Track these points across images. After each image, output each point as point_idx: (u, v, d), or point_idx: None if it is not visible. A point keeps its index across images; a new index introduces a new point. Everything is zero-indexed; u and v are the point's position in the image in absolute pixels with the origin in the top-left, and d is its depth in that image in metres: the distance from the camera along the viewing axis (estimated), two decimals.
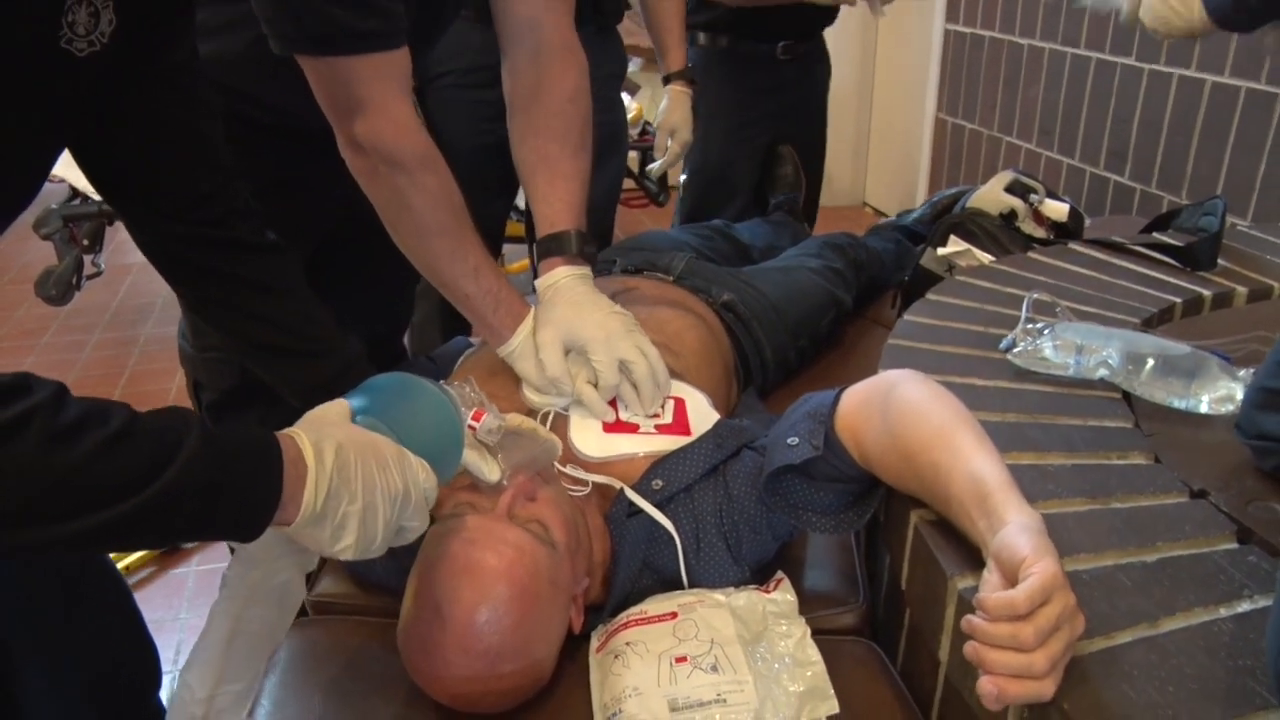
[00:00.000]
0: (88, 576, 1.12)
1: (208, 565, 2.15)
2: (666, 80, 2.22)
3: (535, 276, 1.31)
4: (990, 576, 0.82)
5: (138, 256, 1.14)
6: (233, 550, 0.94)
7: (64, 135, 0.91)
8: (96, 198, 2.94)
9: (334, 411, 0.89)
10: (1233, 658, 0.82)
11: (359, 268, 1.52)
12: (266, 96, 1.32)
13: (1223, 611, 0.88)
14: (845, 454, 1.08)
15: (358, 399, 0.93)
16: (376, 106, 1.11)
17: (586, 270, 1.26)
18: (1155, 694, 0.78)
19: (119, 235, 4.23)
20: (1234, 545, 0.97)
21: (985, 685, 0.76)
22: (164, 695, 1.27)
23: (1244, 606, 0.88)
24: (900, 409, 1.02)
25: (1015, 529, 0.82)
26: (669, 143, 2.17)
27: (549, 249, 1.26)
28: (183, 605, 2.03)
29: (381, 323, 1.68)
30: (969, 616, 0.78)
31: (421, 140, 1.15)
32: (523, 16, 1.29)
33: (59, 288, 2.80)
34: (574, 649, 1.10)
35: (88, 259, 2.96)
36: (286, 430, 0.83)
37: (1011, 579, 0.79)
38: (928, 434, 0.98)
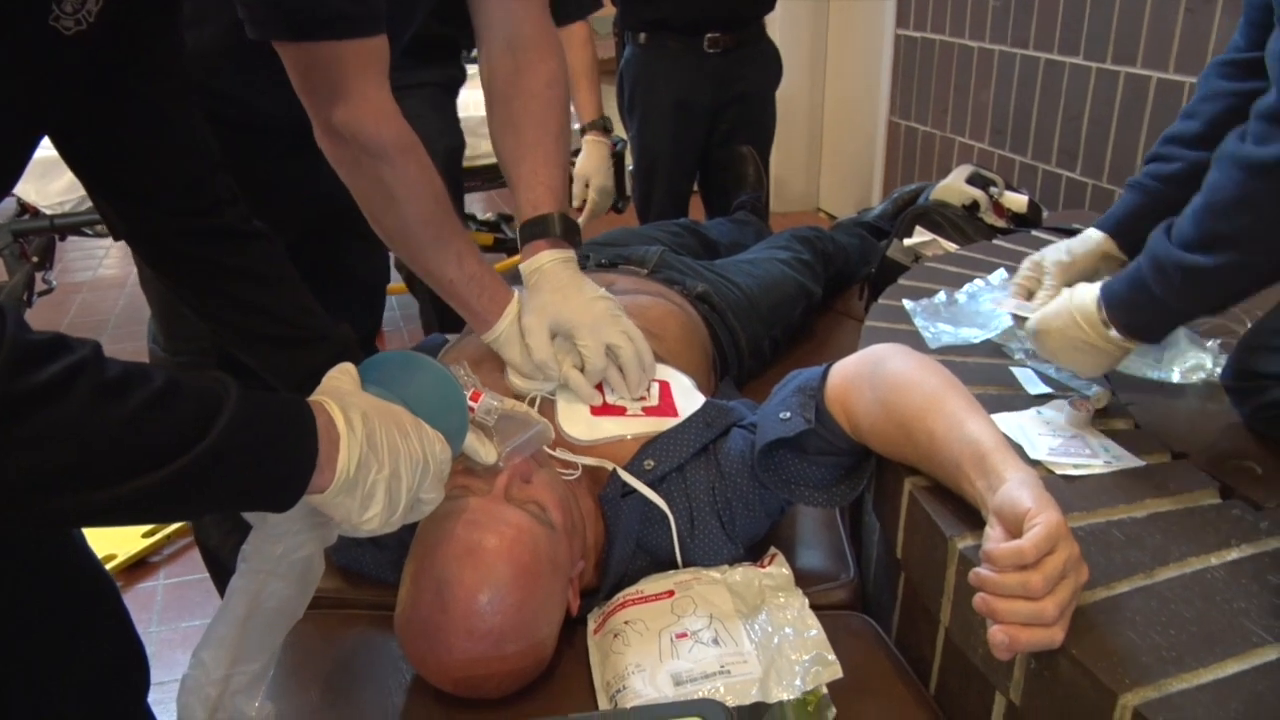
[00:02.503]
0: (78, 579, 1.10)
1: (175, 579, 2.12)
2: (582, 131, 2.33)
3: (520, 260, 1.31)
4: (993, 532, 0.83)
5: (89, 274, 1.12)
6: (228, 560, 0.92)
7: (46, 121, 0.89)
8: (48, 211, 2.90)
9: (347, 381, 0.89)
10: (1227, 601, 0.84)
11: (333, 267, 1.51)
12: (235, 91, 1.31)
13: (1213, 560, 0.90)
14: (837, 426, 1.09)
15: (364, 372, 0.92)
16: (356, 94, 1.11)
17: (571, 253, 1.27)
18: (1158, 638, 0.80)
19: (68, 254, 4.18)
20: (1217, 500, 1.00)
21: (996, 635, 0.77)
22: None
23: (1233, 555, 0.91)
24: (891, 379, 1.04)
25: (1015, 484, 0.84)
26: (587, 191, 2.28)
27: (533, 232, 1.26)
28: (152, 619, 1.99)
29: (356, 322, 1.66)
30: (976, 570, 0.80)
31: (402, 128, 1.15)
32: (497, 6, 1.29)
33: (10, 304, 2.74)
34: (571, 633, 1.09)
35: (39, 275, 2.90)
36: (312, 397, 0.82)
37: (1015, 532, 0.81)
38: (920, 401, 1.00)
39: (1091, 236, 1.31)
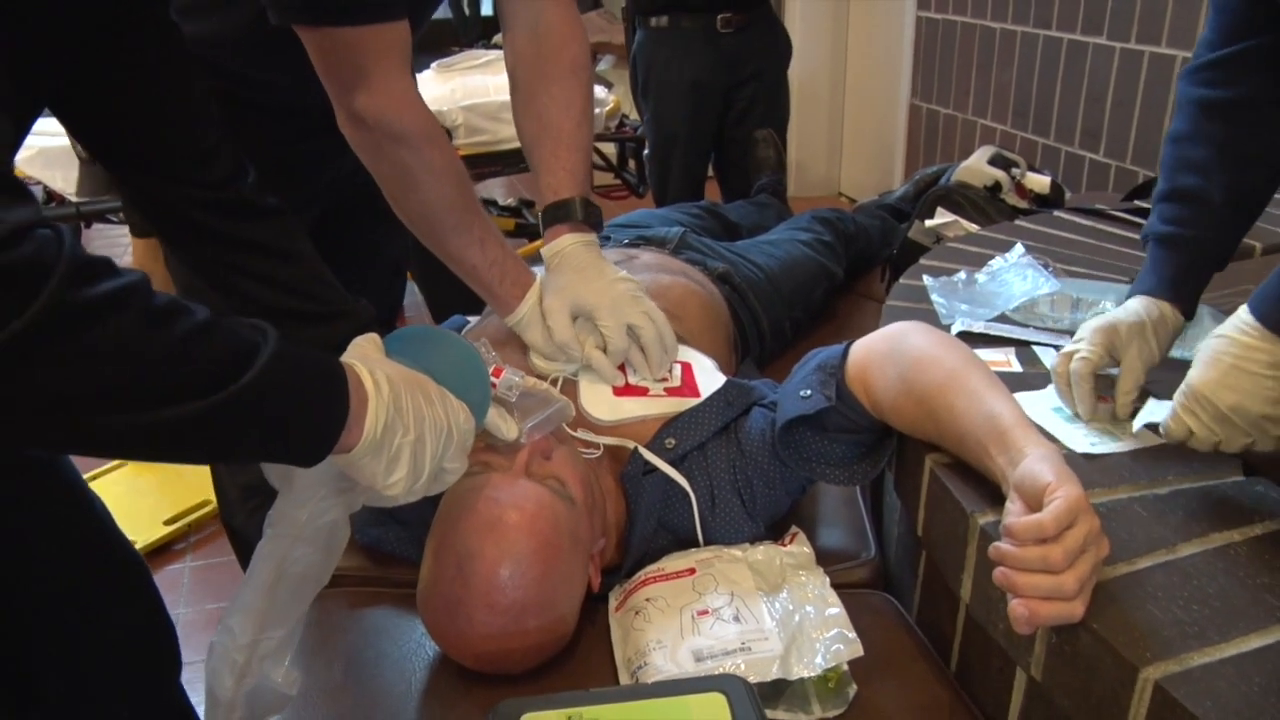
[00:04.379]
0: (108, 556, 1.11)
1: (202, 561, 2.14)
2: None
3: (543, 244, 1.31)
4: (1013, 507, 0.83)
5: (121, 259, 1.13)
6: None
7: (43, 88, 0.90)
8: (73, 199, 2.93)
9: (373, 348, 0.89)
10: (1251, 577, 0.84)
11: (355, 247, 1.52)
12: (261, 75, 1.32)
13: (1236, 536, 0.90)
14: (857, 404, 1.09)
15: (389, 344, 0.93)
16: (378, 79, 1.11)
17: (592, 237, 1.27)
18: (1180, 612, 0.80)
19: (94, 243, 4.21)
20: (1240, 478, 0.99)
21: (1017, 609, 0.77)
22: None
23: (1257, 530, 0.90)
24: (912, 356, 1.04)
25: (1035, 459, 0.84)
26: None
27: (554, 216, 1.26)
28: (179, 601, 2.02)
29: (377, 302, 1.67)
30: (996, 544, 0.80)
31: (424, 114, 1.15)
32: None
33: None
34: (593, 611, 1.10)
35: None
36: (343, 359, 0.83)
37: (1035, 507, 0.80)
38: (941, 378, 1.00)
39: (1164, 313, 1.09)
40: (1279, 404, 0.88)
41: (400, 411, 0.82)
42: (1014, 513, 0.82)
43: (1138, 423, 1.01)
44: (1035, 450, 0.86)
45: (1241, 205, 1.09)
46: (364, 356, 0.86)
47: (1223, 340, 0.90)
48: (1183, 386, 0.93)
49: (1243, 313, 0.90)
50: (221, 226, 1.07)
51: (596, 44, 5.07)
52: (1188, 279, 1.10)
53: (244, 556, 1.73)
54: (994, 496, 0.94)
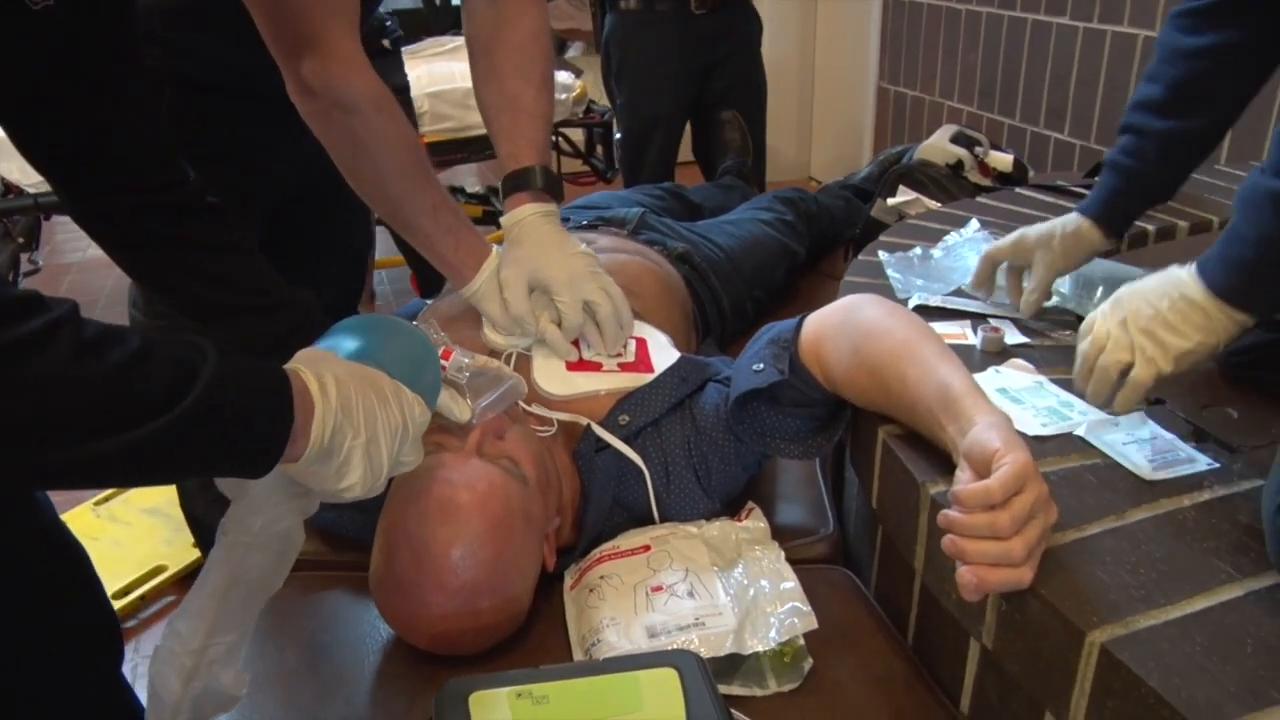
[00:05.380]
0: (46, 548, 1.09)
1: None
2: None
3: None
4: (962, 475, 0.83)
5: (78, 255, 1.11)
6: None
7: (7, 99, 0.89)
8: (31, 190, 2.88)
9: (323, 348, 0.87)
10: (1198, 541, 0.84)
11: (316, 235, 1.50)
12: (216, 53, 1.30)
13: (1186, 502, 0.90)
14: (810, 377, 1.08)
15: (336, 338, 0.91)
16: (325, 45, 1.09)
17: (553, 206, 1.26)
18: (1127, 576, 0.80)
19: (57, 235, 4.15)
20: (1192, 444, 0.99)
21: (965, 575, 0.77)
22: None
23: (1205, 496, 0.91)
24: (864, 328, 1.03)
25: (984, 426, 0.84)
26: None
27: (515, 185, 1.25)
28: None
29: (340, 290, 1.66)
30: (945, 511, 0.79)
31: (373, 81, 1.13)
32: None
33: None
34: (548, 590, 1.09)
35: (24, 256, 2.89)
36: (287, 364, 0.81)
37: (984, 474, 0.80)
38: (892, 348, 0.99)
39: (1078, 223, 1.22)
40: (1170, 330, 0.93)
41: (349, 415, 0.80)
42: (963, 480, 0.82)
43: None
44: (984, 418, 0.85)
45: (1177, 146, 1.14)
46: (313, 358, 0.84)
47: (1168, 272, 0.97)
48: (1117, 295, 1.00)
49: (1188, 269, 0.95)
50: (165, 229, 1.05)
51: (565, 30, 5.04)
52: (1115, 202, 1.20)
53: (205, 544, 1.71)
54: (945, 466, 0.93)
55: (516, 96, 1.26)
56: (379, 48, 1.66)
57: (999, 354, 1.16)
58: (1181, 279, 0.94)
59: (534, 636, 1.05)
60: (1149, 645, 0.72)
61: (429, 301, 1.52)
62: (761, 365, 1.09)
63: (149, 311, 1.42)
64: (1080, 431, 1.00)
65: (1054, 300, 1.30)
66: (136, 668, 1.69)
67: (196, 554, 1.96)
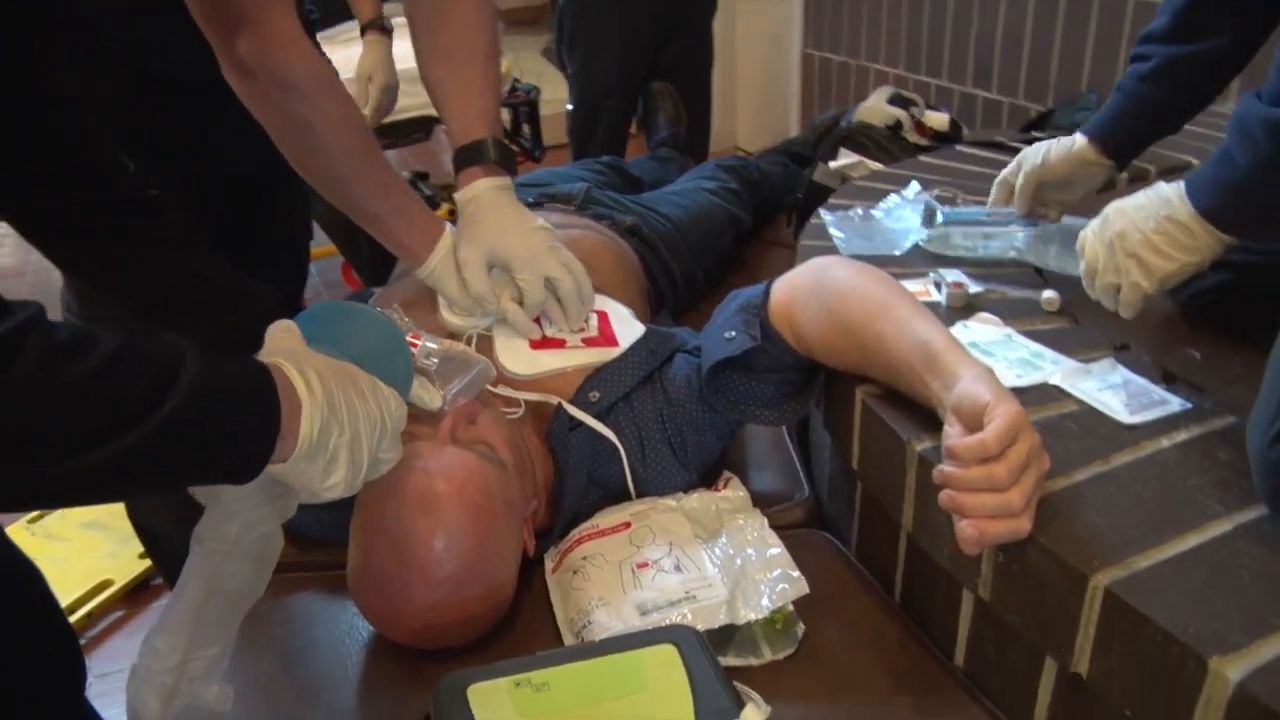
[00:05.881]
0: (6, 563, 1.04)
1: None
2: (362, 31, 2.31)
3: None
4: (952, 430, 0.83)
5: (35, 255, 1.05)
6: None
7: None
8: None
9: (294, 339, 0.83)
10: (1181, 480, 0.85)
11: (257, 226, 1.45)
12: (150, 40, 1.23)
13: (1164, 443, 0.91)
14: (783, 342, 1.07)
15: (305, 330, 0.87)
16: (261, 21, 1.04)
17: (506, 180, 1.22)
18: (1120, 519, 0.80)
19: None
20: (1163, 386, 1.00)
21: (965, 529, 0.77)
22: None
23: (1182, 436, 0.92)
24: (835, 288, 1.03)
25: (970, 380, 0.83)
26: (370, 90, 2.25)
27: (467, 159, 1.21)
28: None
29: (283, 282, 1.60)
30: (940, 467, 0.79)
31: (313, 58, 1.09)
32: None
33: None
34: (529, 575, 1.07)
35: None
36: (266, 359, 0.77)
37: (975, 427, 0.80)
38: (867, 307, 0.99)
39: (1074, 141, 1.26)
40: (1155, 252, 0.95)
41: (334, 411, 0.77)
42: (954, 435, 0.81)
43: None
44: (969, 371, 0.85)
45: (1183, 70, 1.15)
46: (290, 352, 0.80)
47: (1156, 189, 0.98)
48: (1105, 212, 1.03)
49: (1176, 187, 0.97)
50: (112, 226, 1.00)
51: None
52: (1118, 121, 1.22)
53: (160, 557, 1.65)
54: (929, 423, 0.93)
55: (465, 70, 1.22)
56: None
57: (964, 309, 1.16)
58: (1169, 199, 0.95)
59: (519, 624, 1.03)
60: (1150, 584, 0.73)
61: (376, 290, 1.47)
62: (733, 333, 1.08)
63: (84, 314, 1.36)
64: (1055, 380, 1.00)
65: (1011, 253, 1.31)
66: (92, 686, 1.63)
67: (145, 565, 1.90)
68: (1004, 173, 1.33)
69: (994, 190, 1.34)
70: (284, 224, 1.54)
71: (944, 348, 0.90)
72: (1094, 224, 1.00)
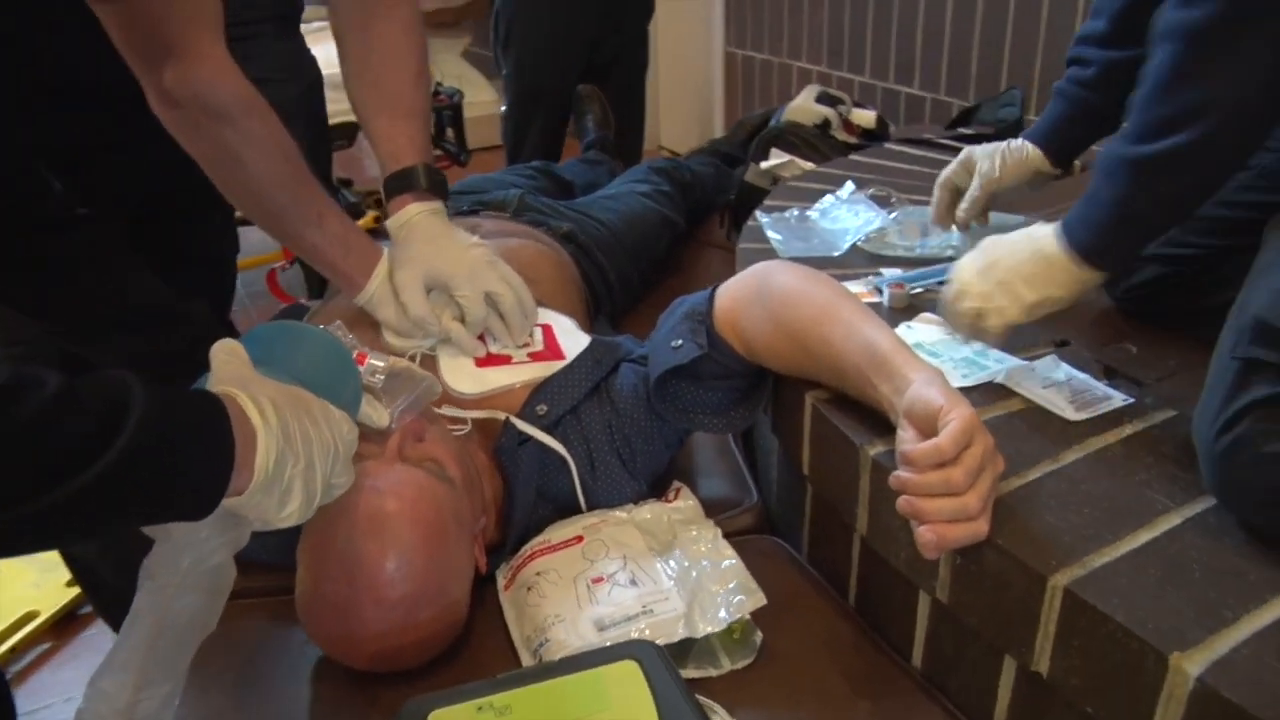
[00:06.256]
0: None
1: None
2: None
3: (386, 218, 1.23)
4: (905, 434, 0.83)
5: None
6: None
7: None
8: None
9: (241, 364, 0.80)
10: (1129, 475, 0.87)
11: (181, 244, 1.40)
12: (52, 49, 1.18)
13: (1110, 438, 0.93)
14: (729, 349, 1.07)
15: (249, 351, 0.84)
16: (188, 51, 1.01)
17: (438, 205, 1.20)
18: (1074, 517, 0.82)
19: None
20: (1105, 381, 1.02)
21: (925, 535, 0.77)
22: None
23: (1127, 431, 0.94)
24: (781, 294, 1.03)
25: (922, 383, 0.84)
26: None
27: (398, 186, 1.19)
28: None
29: (208, 301, 1.55)
30: (896, 473, 0.79)
31: (242, 85, 1.05)
32: None
33: None
34: (481, 593, 1.05)
35: None
36: (217, 388, 0.74)
37: (928, 431, 0.80)
38: (813, 312, 0.99)
39: (1025, 150, 1.27)
40: (1025, 282, 0.96)
41: (289, 440, 0.74)
42: (907, 440, 0.82)
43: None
44: (919, 375, 0.85)
45: (1118, 74, 1.16)
46: (240, 379, 0.77)
47: (1034, 228, 1.00)
48: (982, 246, 1.03)
49: (1052, 227, 0.98)
50: (39, 249, 0.95)
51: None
52: (1060, 129, 1.25)
53: (94, 591, 1.58)
54: (881, 427, 0.93)
55: (394, 93, 1.19)
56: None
57: (906, 310, 1.17)
58: (1042, 236, 0.98)
59: (473, 642, 1.01)
60: (1108, 582, 0.74)
61: (308, 305, 1.44)
62: (680, 341, 1.07)
63: (4, 339, 1.30)
64: (1001, 379, 1.02)
65: (949, 251, 1.33)
66: None
67: (72, 593, 1.82)
68: (945, 174, 1.34)
69: (936, 192, 1.35)
70: (211, 239, 1.49)
71: (891, 350, 0.90)
72: (971, 254, 1.02)
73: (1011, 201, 1.35)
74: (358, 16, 1.19)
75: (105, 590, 1.47)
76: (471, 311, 1.15)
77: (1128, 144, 0.90)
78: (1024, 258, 0.97)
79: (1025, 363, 1.04)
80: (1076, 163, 1.34)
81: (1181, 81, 0.85)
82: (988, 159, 1.29)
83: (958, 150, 1.75)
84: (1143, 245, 0.95)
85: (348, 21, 1.20)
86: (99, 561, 1.47)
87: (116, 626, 1.57)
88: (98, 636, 1.81)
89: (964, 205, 1.30)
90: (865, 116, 2.12)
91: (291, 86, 2.13)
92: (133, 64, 1.02)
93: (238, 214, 1.62)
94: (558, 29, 2.53)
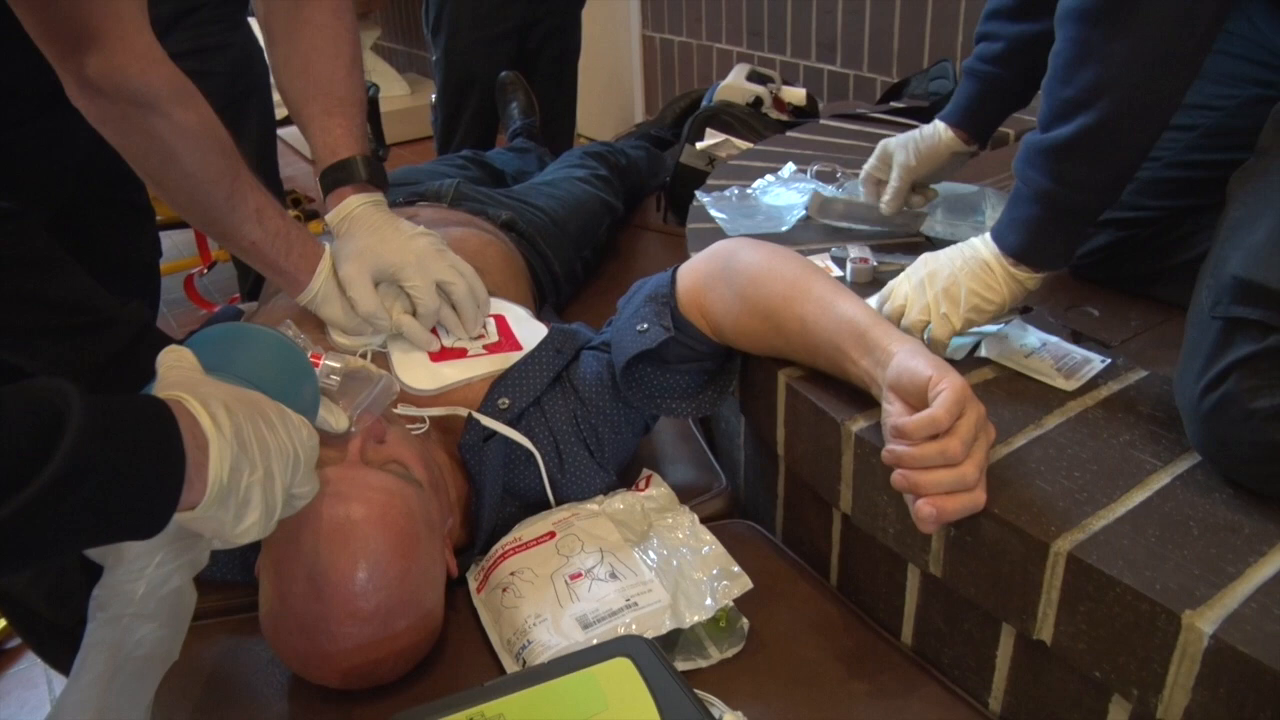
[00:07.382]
0: None
1: None
2: None
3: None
4: (892, 408, 0.81)
5: None
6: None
7: None
8: None
9: (189, 368, 0.74)
10: (1114, 436, 0.87)
11: (100, 246, 1.32)
12: None
13: (1089, 401, 0.92)
14: (696, 330, 1.04)
15: (198, 356, 0.78)
16: (112, 38, 0.93)
17: (379, 196, 1.15)
18: (1066, 481, 0.81)
19: None
20: (1073, 346, 1.02)
21: (923, 508, 0.75)
22: None
23: (1104, 393, 0.93)
24: (747, 272, 1.00)
25: (906, 355, 0.82)
26: None
27: (336, 179, 1.13)
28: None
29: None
30: (890, 447, 0.77)
31: (172, 72, 0.98)
32: None
33: None
34: (452, 598, 1.01)
35: None
36: (164, 393, 0.68)
37: (917, 403, 0.78)
38: (783, 290, 0.96)
39: (936, 128, 1.26)
40: (964, 291, 0.96)
41: (244, 446, 0.68)
42: (895, 413, 0.80)
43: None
44: (902, 347, 0.84)
45: (1029, 49, 1.15)
46: (189, 383, 0.71)
47: (968, 241, 0.99)
48: (925, 264, 1.01)
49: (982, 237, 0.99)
50: None
51: None
52: (973, 107, 1.24)
53: (24, 627, 1.49)
54: (860, 402, 0.92)
55: (328, 81, 1.13)
56: None
57: (870, 284, 1.16)
58: (976, 245, 0.98)
59: (450, 650, 0.97)
60: (1110, 545, 0.73)
61: (243, 307, 1.37)
62: (645, 325, 1.04)
63: None
64: (982, 353, 1.01)
65: (899, 221, 1.32)
66: None
67: None
68: (867, 168, 1.33)
69: (862, 186, 1.35)
70: (131, 241, 1.41)
71: (870, 324, 0.88)
72: (908, 269, 1.02)
73: (964, 173, 1.35)
74: (285, 6, 1.13)
75: (38, 623, 1.38)
76: (423, 303, 1.10)
77: (1039, 132, 0.90)
78: (959, 267, 0.97)
79: (994, 330, 1.03)
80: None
81: (1080, 63, 0.85)
82: (902, 149, 1.28)
83: (893, 123, 1.77)
84: (1073, 241, 0.95)
85: (275, 8, 1.14)
86: (28, 590, 1.39)
87: (55, 663, 1.49)
88: (29, 670, 1.71)
89: (886, 198, 1.30)
90: (795, 94, 2.11)
91: (241, 81, 2.04)
92: (49, 53, 0.94)
93: (159, 217, 1.55)
94: (488, 13, 2.47)
